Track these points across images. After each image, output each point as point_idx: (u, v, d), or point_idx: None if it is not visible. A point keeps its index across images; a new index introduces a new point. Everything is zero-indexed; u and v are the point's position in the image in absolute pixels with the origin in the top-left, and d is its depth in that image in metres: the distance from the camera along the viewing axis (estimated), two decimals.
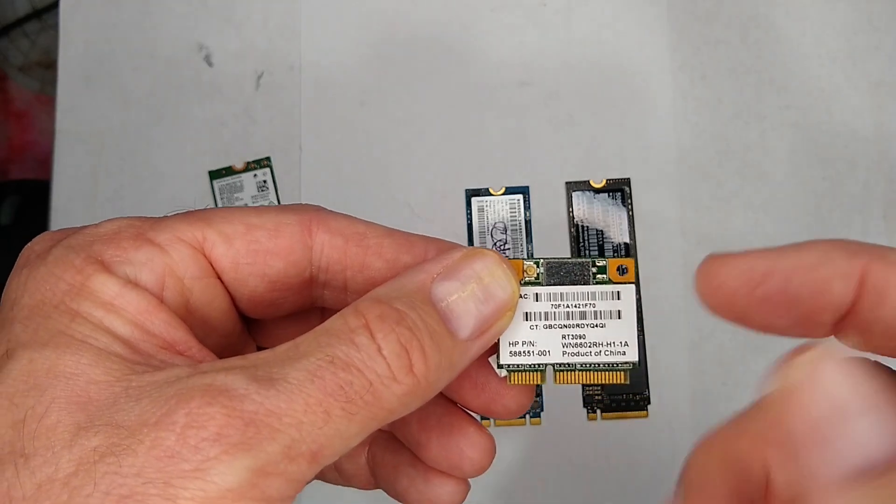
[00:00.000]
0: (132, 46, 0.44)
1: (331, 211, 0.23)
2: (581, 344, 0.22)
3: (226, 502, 0.16)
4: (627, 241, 0.40)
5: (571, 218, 0.41)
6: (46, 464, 0.17)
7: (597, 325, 0.22)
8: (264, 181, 0.42)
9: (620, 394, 0.39)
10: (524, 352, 0.22)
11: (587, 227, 0.40)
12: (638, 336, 0.22)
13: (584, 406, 0.40)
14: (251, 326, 0.24)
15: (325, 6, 0.44)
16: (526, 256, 0.40)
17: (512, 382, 0.22)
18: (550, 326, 0.22)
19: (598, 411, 0.39)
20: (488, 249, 0.21)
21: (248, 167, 0.42)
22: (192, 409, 0.17)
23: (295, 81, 0.43)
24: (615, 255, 0.40)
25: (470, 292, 0.20)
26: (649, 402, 0.39)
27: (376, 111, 0.42)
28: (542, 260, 0.22)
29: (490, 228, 0.41)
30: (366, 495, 0.40)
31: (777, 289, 0.19)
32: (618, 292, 0.22)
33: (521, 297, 0.22)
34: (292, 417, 0.17)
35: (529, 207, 0.41)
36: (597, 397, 0.40)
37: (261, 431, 0.17)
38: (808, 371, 0.17)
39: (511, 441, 0.39)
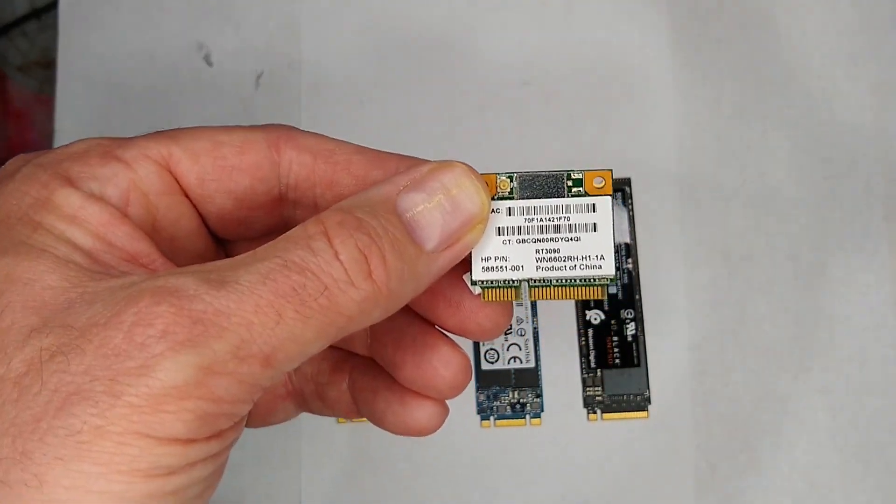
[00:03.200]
0: (131, 46, 0.43)
1: (301, 130, 0.23)
2: (555, 258, 0.21)
3: (170, 399, 0.16)
4: (628, 241, 0.40)
5: None
6: None
7: (571, 239, 0.21)
8: None
9: (620, 394, 0.39)
10: (497, 267, 0.21)
11: None
12: (616, 256, 0.21)
13: (585, 406, 0.40)
14: (229, 250, 0.24)
15: (325, 6, 0.43)
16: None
17: (486, 299, 0.22)
18: (524, 241, 0.21)
19: (599, 411, 0.39)
20: (458, 161, 0.21)
21: None
22: (140, 308, 0.17)
23: (295, 81, 0.43)
24: (616, 254, 0.40)
25: (436, 203, 0.20)
26: (649, 402, 0.39)
27: (376, 111, 0.42)
28: (515, 174, 0.22)
29: None
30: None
31: None
32: (593, 204, 0.21)
33: (493, 211, 0.21)
34: (241, 317, 0.17)
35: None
36: (597, 398, 0.40)
37: (208, 329, 0.17)
38: None
39: (511, 441, 0.39)
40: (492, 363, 0.39)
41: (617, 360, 0.40)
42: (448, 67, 0.43)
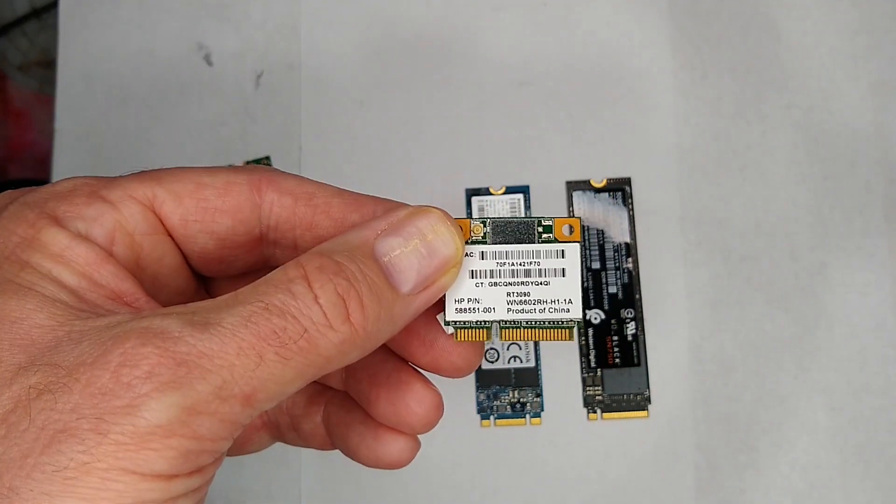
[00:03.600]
0: (131, 46, 0.44)
1: (283, 172, 0.23)
2: (525, 301, 0.22)
3: (155, 438, 0.17)
4: (628, 240, 0.40)
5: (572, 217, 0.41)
6: None
7: (541, 283, 0.22)
8: None
9: (621, 394, 0.39)
10: (470, 308, 0.22)
11: (588, 226, 0.40)
12: (583, 295, 0.23)
13: (584, 406, 0.40)
14: (210, 287, 0.25)
15: (325, 6, 0.43)
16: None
17: (459, 339, 0.22)
18: (495, 284, 0.22)
19: (599, 411, 0.39)
20: (434, 207, 0.22)
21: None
22: (126, 350, 0.17)
23: (294, 81, 0.43)
24: (615, 254, 0.40)
25: (413, 248, 0.21)
26: (649, 402, 0.39)
27: (376, 111, 0.42)
28: (488, 219, 0.22)
29: None
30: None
31: None
32: (562, 251, 0.22)
33: (466, 255, 0.22)
34: (224, 359, 0.18)
35: (530, 207, 0.41)
36: (597, 397, 0.40)
37: (192, 371, 0.17)
38: None
39: (511, 441, 0.39)
40: (492, 363, 0.39)
41: (617, 360, 0.40)
42: (448, 67, 0.43)
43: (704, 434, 0.39)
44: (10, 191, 0.22)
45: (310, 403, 0.26)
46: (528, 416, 0.40)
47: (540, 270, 0.22)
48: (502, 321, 0.22)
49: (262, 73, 0.43)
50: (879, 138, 0.41)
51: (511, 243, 0.22)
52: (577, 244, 0.22)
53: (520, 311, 0.22)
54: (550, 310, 0.22)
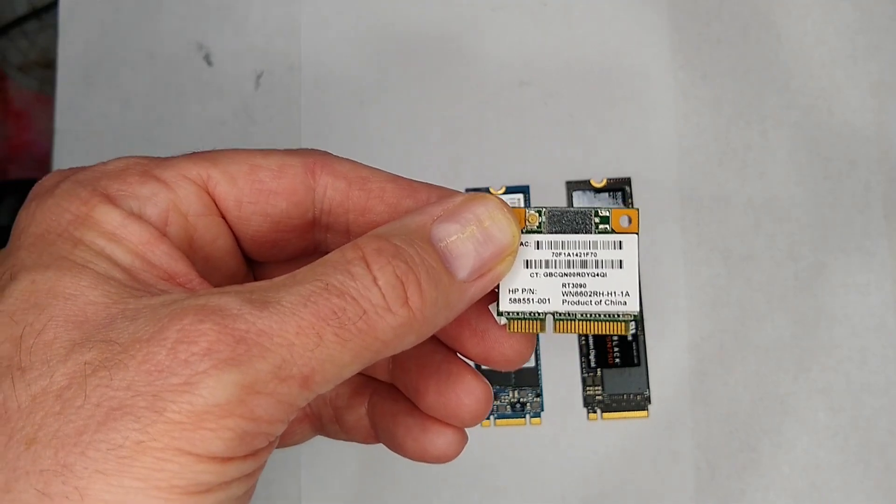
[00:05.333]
0: (131, 46, 0.43)
1: (336, 156, 0.23)
2: (581, 293, 0.22)
3: (212, 417, 0.16)
4: None
5: None
6: (42, 377, 0.17)
7: (598, 275, 0.22)
8: None
9: (620, 394, 0.39)
10: (524, 299, 0.22)
11: None
12: (640, 295, 0.22)
13: (585, 406, 0.40)
14: (257, 271, 0.25)
15: (325, 6, 0.43)
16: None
17: (511, 330, 0.22)
18: (551, 275, 0.22)
19: (599, 411, 0.39)
20: (490, 194, 0.22)
21: None
22: (184, 326, 0.17)
23: (295, 81, 0.43)
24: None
25: (470, 234, 0.20)
26: (649, 402, 0.39)
27: (376, 111, 0.42)
28: (544, 209, 0.22)
29: None
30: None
31: None
32: (619, 242, 0.22)
33: (521, 244, 0.22)
34: (284, 338, 0.17)
35: (530, 206, 0.41)
36: (597, 397, 0.40)
37: (251, 349, 0.17)
38: None
39: (511, 441, 0.39)
40: None
41: (617, 360, 0.40)
42: (448, 68, 0.43)
43: (704, 434, 0.39)
44: (60, 170, 0.22)
45: (354, 395, 0.25)
46: (528, 416, 0.40)
47: (597, 261, 0.22)
48: (557, 313, 0.22)
49: (262, 73, 0.43)
50: (879, 138, 0.41)
51: (567, 233, 0.22)
52: (636, 236, 0.22)
53: (575, 303, 0.22)
54: (607, 302, 0.22)
